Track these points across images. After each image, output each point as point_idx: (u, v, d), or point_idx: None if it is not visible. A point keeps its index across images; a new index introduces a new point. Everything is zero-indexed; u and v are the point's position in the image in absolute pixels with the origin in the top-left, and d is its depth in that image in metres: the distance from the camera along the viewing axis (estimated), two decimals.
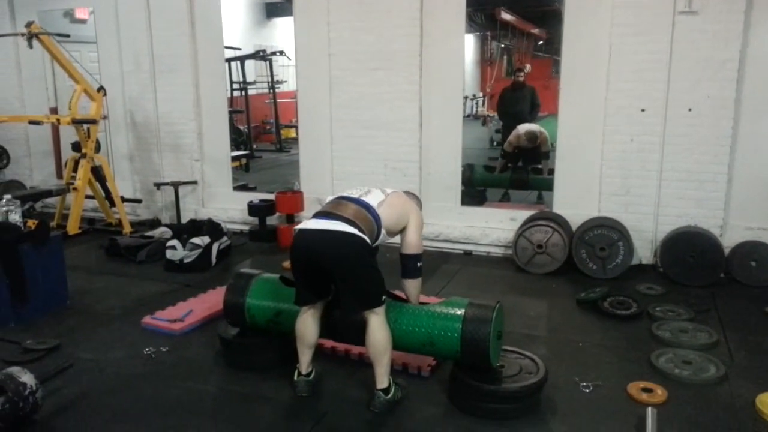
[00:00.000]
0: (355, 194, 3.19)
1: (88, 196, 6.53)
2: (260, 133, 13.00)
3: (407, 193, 3.56)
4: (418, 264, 3.29)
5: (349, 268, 2.99)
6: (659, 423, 2.83)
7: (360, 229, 2.97)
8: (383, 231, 3.13)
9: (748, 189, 5.07)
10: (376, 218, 3.09)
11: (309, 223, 3.07)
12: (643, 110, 5.13)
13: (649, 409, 2.90)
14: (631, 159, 5.24)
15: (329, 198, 3.27)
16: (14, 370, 2.98)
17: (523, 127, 7.69)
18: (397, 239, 3.32)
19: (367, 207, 3.11)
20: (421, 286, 3.37)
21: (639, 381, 3.29)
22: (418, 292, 3.35)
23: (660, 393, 3.17)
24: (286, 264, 5.06)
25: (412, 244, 3.26)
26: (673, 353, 3.62)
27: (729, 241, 5.08)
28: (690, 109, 5.00)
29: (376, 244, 3.13)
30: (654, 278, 5.07)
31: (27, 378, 2.93)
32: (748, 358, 3.67)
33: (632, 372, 3.45)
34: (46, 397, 3.05)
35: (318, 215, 3.11)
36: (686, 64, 4.95)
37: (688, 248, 4.96)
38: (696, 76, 4.94)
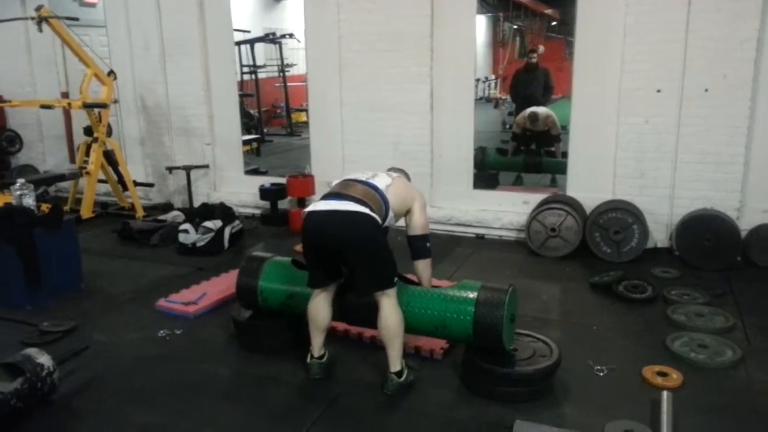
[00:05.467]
0: (361, 177, 3.20)
1: (100, 181, 6.56)
2: (271, 117, 12.99)
3: (397, 169, 3.61)
4: (427, 244, 3.32)
5: (361, 248, 2.98)
6: (674, 407, 2.81)
7: (370, 209, 2.98)
8: (391, 213, 3.13)
9: (766, 171, 4.98)
10: (385, 200, 3.10)
11: (319, 205, 3.06)
12: (658, 91, 5.05)
13: (664, 392, 2.88)
14: (646, 141, 5.17)
15: (336, 181, 3.27)
16: (32, 351, 3.02)
17: (529, 109, 7.65)
18: (401, 222, 3.33)
19: (375, 188, 3.12)
20: (432, 266, 3.36)
21: (654, 365, 3.27)
22: (430, 272, 3.35)
23: (675, 377, 3.15)
24: (298, 247, 5.04)
25: (418, 224, 3.28)
26: (689, 337, 3.59)
27: (746, 223, 5.01)
28: (706, 90, 4.92)
29: (386, 224, 3.12)
30: (669, 262, 5.02)
31: (44, 359, 2.97)
32: (765, 342, 3.63)
33: (647, 356, 3.43)
34: (62, 378, 3.08)
35: (327, 197, 3.11)
36: (703, 44, 4.85)
37: (704, 231, 4.90)
38: (713, 56, 4.85)
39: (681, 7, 4.84)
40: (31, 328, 3.85)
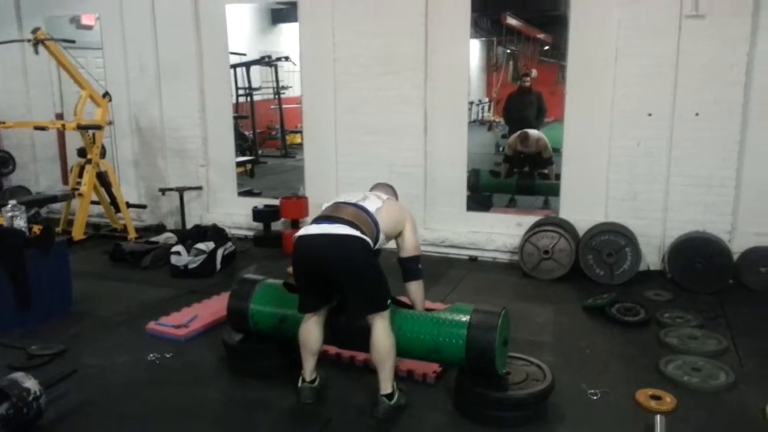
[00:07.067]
0: (352, 200, 3.19)
1: (93, 202, 6.53)
2: (265, 139, 13.01)
3: (385, 185, 3.63)
4: (419, 266, 3.31)
5: (353, 271, 2.97)
6: (668, 431, 2.79)
7: (362, 231, 2.97)
8: (382, 235, 3.12)
9: (757, 194, 5.02)
10: (375, 222, 3.09)
11: (310, 229, 3.06)
12: (649, 115, 5.10)
13: (658, 416, 2.87)
14: (638, 164, 5.21)
15: (326, 204, 3.26)
16: (18, 375, 2.97)
17: (520, 131, 7.71)
18: (392, 243, 3.32)
19: (365, 211, 3.11)
20: (423, 287, 3.35)
21: (647, 388, 3.25)
22: (422, 294, 3.34)
23: (669, 400, 3.13)
24: (291, 269, 5.04)
25: (410, 246, 3.29)
26: (682, 360, 3.58)
27: (738, 246, 5.03)
28: (697, 114, 4.97)
29: (377, 247, 3.11)
30: (662, 284, 5.03)
31: (31, 383, 2.92)
32: (758, 365, 3.62)
33: (640, 379, 3.41)
34: (50, 402, 3.03)
35: (318, 220, 3.10)
36: (693, 68, 4.92)
37: (697, 254, 4.92)
38: (703, 80, 4.91)
39: (672, 31, 4.92)
40: (19, 352, 3.79)
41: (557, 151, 6.68)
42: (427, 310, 3.33)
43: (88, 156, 6.38)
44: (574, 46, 5.38)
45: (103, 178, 6.51)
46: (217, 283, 5.14)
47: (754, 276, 4.92)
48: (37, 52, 6.03)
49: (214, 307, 4.43)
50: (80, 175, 6.46)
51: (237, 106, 10.80)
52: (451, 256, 5.91)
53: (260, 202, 6.72)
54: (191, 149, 6.88)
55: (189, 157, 6.91)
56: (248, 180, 9.54)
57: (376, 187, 3.62)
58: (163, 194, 6.87)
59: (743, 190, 5.04)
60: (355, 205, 3.13)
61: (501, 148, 9.48)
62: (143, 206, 7.11)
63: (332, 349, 3.57)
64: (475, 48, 13.16)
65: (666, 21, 4.92)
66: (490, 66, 13.88)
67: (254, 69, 11.81)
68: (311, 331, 3.15)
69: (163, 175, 7.06)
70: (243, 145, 10.95)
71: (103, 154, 6.61)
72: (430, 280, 4.81)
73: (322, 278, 3.03)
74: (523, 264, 5.35)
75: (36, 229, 4.53)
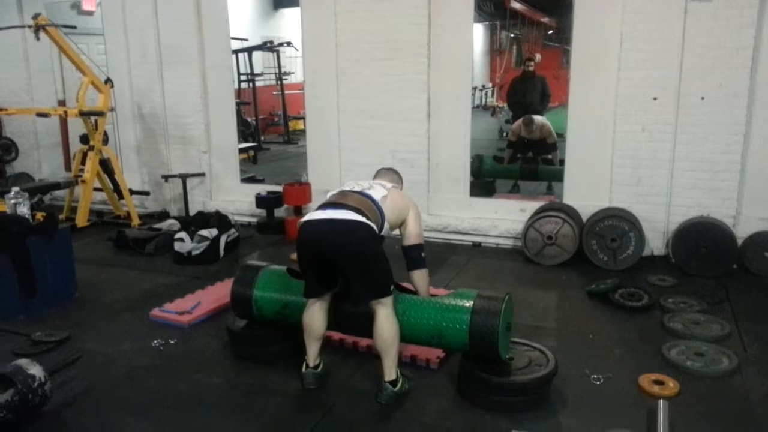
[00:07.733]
0: (357, 188, 3.20)
1: (96, 189, 6.53)
2: (268, 125, 12.98)
3: (389, 170, 3.63)
4: (422, 254, 3.30)
5: (358, 256, 2.97)
6: (671, 416, 2.79)
7: (367, 217, 2.97)
8: (386, 224, 3.12)
9: (762, 179, 4.99)
10: (380, 211, 3.10)
11: (315, 215, 3.06)
12: (654, 99, 5.06)
13: (661, 401, 2.87)
14: (643, 148, 5.17)
15: (332, 192, 3.26)
16: (23, 362, 2.98)
17: (524, 116, 7.67)
18: (396, 231, 3.31)
19: (371, 199, 3.11)
20: (428, 276, 3.34)
21: (650, 373, 3.25)
22: (426, 282, 3.33)
23: (672, 385, 3.14)
24: (294, 256, 5.03)
25: (413, 234, 3.28)
26: (685, 345, 3.57)
27: (742, 231, 5.00)
28: (703, 98, 4.93)
29: (381, 234, 3.11)
30: (666, 269, 5.01)
31: (36, 370, 2.94)
32: (761, 350, 3.61)
33: (643, 364, 3.41)
34: (54, 389, 3.05)
35: (323, 206, 3.10)
36: (699, 52, 4.87)
37: (701, 239, 4.90)
38: (709, 64, 4.86)
39: (677, 14, 4.86)
40: (24, 338, 3.82)
41: (561, 136, 6.65)
42: (431, 295, 3.32)
43: (91, 143, 6.38)
44: (578, 30, 5.32)
45: (106, 165, 6.51)
46: (220, 270, 5.15)
47: (758, 261, 4.90)
48: (38, 38, 6.00)
49: (217, 294, 4.44)
50: (83, 162, 6.46)
51: (239, 92, 10.77)
52: (455, 241, 5.90)
53: (263, 189, 6.71)
54: (194, 136, 6.87)
55: (191, 144, 6.90)
56: (251, 166, 9.55)
57: (380, 173, 3.61)
58: (166, 181, 6.86)
59: (748, 175, 5.01)
60: (361, 193, 3.14)
61: (504, 134, 9.45)
62: (146, 193, 7.12)
63: (335, 335, 3.58)
64: (478, 32, 13.08)
65: (672, 4, 4.86)
66: (494, 51, 13.80)
67: (256, 54, 11.76)
68: (315, 316, 3.16)
69: (166, 161, 7.05)
70: (245, 131, 10.94)
71: (105, 141, 6.61)
72: (434, 266, 4.81)
73: (326, 263, 3.03)
74: (526, 250, 5.34)
75: (39, 216, 4.54)
